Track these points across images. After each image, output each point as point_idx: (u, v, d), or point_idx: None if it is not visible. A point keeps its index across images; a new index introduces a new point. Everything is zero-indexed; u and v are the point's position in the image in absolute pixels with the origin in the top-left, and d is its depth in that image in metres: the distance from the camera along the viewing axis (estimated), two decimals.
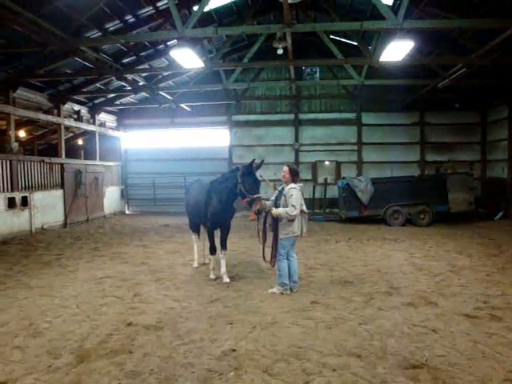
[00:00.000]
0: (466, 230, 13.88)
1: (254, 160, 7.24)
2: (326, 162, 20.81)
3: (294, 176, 7.06)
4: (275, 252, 6.95)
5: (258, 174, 7.27)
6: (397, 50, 10.89)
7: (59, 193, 16.67)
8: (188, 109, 20.93)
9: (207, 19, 14.08)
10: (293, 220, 6.75)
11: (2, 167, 13.71)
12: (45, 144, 21.91)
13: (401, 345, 4.78)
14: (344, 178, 17.01)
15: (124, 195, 22.41)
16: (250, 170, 7.18)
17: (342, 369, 4.23)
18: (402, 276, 8.03)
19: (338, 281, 7.73)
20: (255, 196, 6.96)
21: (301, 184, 7.10)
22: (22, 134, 18.52)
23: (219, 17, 15.16)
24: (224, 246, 7.96)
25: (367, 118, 20.73)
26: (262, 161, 7.46)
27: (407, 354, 4.53)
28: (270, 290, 6.98)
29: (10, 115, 14.23)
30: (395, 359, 4.43)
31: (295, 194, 6.77)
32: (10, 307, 6.41)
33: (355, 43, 16.01)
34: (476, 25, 10.07)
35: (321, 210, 19.13)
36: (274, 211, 6.80)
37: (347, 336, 5.06)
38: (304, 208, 6.96)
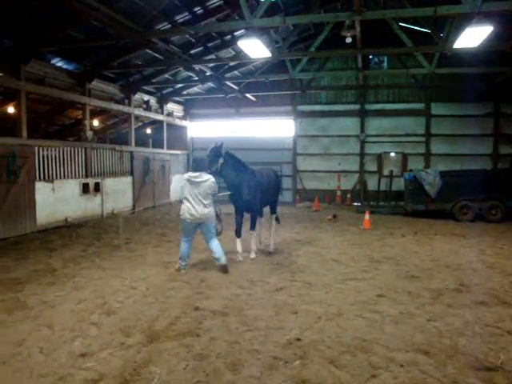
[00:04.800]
0: None
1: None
2: (392, 154, 20.27)
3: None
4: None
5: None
6: (473, 36, 10.36)
7: (129, 179, 17.38)
8: (253, 99, 21.11)
9: (274, 9, 14.06)
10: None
11: (78, 154, 14.48)
12: (116, 133, 22.81)
13: (472, 345, 4.60)
14: (411, 170, 16.51)
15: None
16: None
17: (410, 365, 4.13)
18: (472, 273, 7.71)
19: (404, 275, 7.55)
20: None
21: (189, 173, 7.66)
22: (95, 123, 19.38)
23: (285, 6, 15.08)
24: (251, 227, 8.95)
25: (437, 109, 19.96)
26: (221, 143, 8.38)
27: (480, 355, 4.35)
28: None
29: (85, 105, 14.97)
30: (467, 359, 4.26)
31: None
32: (85, 286, 6.80)
33: (426, 30, 15.42)
34: None
35: (386, 202, 18.70)
36: None
37: (415, 332, 4.94)
38: (187, 195, 7.53)
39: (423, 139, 20.04)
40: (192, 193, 7.48)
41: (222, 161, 8.24)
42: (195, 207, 7.47)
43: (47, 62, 13.62)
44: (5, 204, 11.17)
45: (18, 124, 12.26)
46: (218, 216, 8.39)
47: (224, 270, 7.57)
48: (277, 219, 10.07)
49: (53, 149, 13.34)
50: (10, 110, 15.30)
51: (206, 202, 7.53)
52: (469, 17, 9.66)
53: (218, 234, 8.39)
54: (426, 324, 5.19)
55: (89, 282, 7.02)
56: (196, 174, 7.54)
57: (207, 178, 7.56)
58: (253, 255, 8.78)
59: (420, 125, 20.11)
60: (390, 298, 6.17)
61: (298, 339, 4.70)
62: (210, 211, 7.62)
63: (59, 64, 14.20)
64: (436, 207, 15.14)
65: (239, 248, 8.72)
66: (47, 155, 13.07)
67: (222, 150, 8.26)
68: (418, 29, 16.66)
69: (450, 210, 14.93)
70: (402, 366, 4.13)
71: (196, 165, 7.71)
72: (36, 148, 12.53)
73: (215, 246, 7.72)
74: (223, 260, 7.64)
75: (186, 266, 7.77)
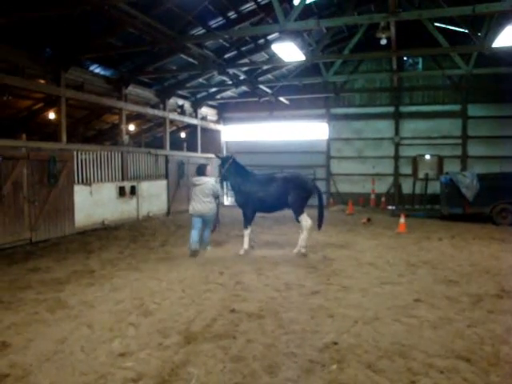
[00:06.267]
0: None
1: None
2: (427, 157, 19.90)
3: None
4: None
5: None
6: None
7: (163, 183, 17.64)
8: (286, 102, 21.10)
9: (307, 12, 14.04)
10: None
11: (115, 158, 14.81)
12: (151, 137, 23.21)
13: None
14: (447, 173, 16.16)
15: (223, 186, 23.13)
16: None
17: (451, 372, 4.04)
18: None
19: (441, 280, 7.39)
20: None
21: (194, 178, 9.76)
22: (131, 127, 19.76)
23: (319, 9, 15.05)
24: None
25: (474, 110, 19.47)
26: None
27: None
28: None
29: (122, 110, 15.31)
30: (511, 368, 4.13)
31: None
32: (123, 287, 6.94)
33: (462, 30, 15.10)
34: None
35: (421, 206, 18.35)
36: None
37: (454, 338, 4.82)
38: (192, 195, 9.61)
39: (459, 141, 19.59)
40: (195, 193, 9.41)
41: (227, 167, 9.83)
42: (197, 204, 9.34)
43: (86, 69, 14.02)
44: (46, 207, 11.54)
45: (57, 129, 12.65)
46: (216, 216, 9.89)
47: (195, 254, 9.24)
48: (319, 223, 9.90)
49: (90, 153, 13.69)
50: (51, 116, 15.79)
51: (205, 200, 9.31)
52: (509, 14, 9.41)
53: (212, 230, 10.00)
54: (465, 330, 5.07)
55: (126, 284, 7.16)
56: (198, 177, 9.52)
57: (206, 181, 9.41)
58: (241, 251, 9.60)
59: (456, 127, 19.66)
60: (428, 303, 6.05)
61: (335, 343, 4.67)
62: (208, 207, 9.35)
63: (97, 70, 14.59)
64: (474, 211, 14.74)
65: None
66: (85, 159, 13.42)
67: (229, 159, 10.02)
68: (455, 28, 16.33)
69: (488, 214, 14.53)
70: (442, 372, 4.05)
71: (198, 170, 9.74)
72: (75, 152, 12.89)
73: (206, 235, 9.74)
74: (203, 247, 9.63)
75: (197, 247, 9.33)
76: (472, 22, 14.02)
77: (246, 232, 9.77)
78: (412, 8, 15.49)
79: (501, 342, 4.73)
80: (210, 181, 9.46)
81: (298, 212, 9.56)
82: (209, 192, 9.33)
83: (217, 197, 9.60)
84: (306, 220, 9.51)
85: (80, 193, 12.94)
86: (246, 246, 9.68)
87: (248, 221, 9.85)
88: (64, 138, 12.53)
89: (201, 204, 9.31)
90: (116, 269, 8.24)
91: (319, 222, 9.87)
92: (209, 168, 9.87)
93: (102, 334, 4.99)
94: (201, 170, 9.67)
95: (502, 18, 10.69)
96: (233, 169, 9.88)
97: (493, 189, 14.35)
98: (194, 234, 9.33)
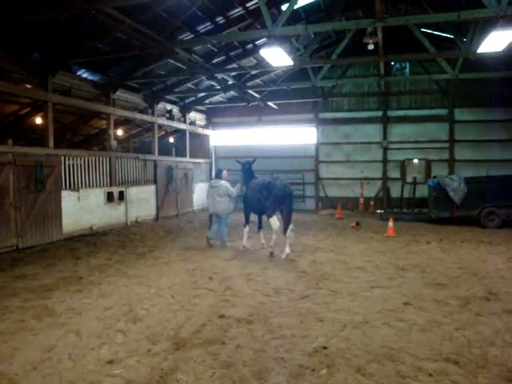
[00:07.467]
0: None
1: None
2: (415, 160, 20.06)
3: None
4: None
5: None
6: (498, 40, 10.19)
7: (152, 188, 17.55)
8: (275, 107, 21.17)
9: (295, 17, 14.11)
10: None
11: (103, 164, 14.69)
12: (139, 142, 23.10)
13: (504, 354, 4.48)
14: (435, 176, 16.28)
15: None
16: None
17: (439, 374, 4.06)
18: (501, 281, 7.54)
19: (430, 283, 7.43)
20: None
21: (211, 180, 11.86)
22: (119, 132, 19.64)
23: (307, 14, 15.14)
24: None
25: (460, 114, 19.66)
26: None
27: None
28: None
29: (110, 115, 15.21)
30: (498, 370, 4.15)
31: None
32: (111, 294, 6.88)
33: (448, 35, 15.25)
34: None
35: (409, 209, 18.46)
36: None
37: (443, 341, 4.85)
38: (208, 195, 11.21)
39: (447, 145, 19.75)
40: (211, 193, 10.89)
41: (243, 172, 11.17)
42: (211, 203, 10.94)
43: (73, 74, 13.93)
44: (33, 212, 11.41)
45: (44, 134, 12.53)
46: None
47: (210, 245, 11.02)
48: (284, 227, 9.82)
49: (78, 158, 13.59)
50: (38, 121, 15.64)
51: (218, 200, 10.71)
52: (493, 21, 9.52)
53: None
54: (454, 333, 5.10)
55: (114, 290, 7.10)
56: (215, 180, 11.15)
57: (221, 184, 10.82)
58: (240, 246, 10.85)
59: (443, 131, 19.84)
60: (417, 306, 6.08)
61: (324, 347, 4.67)
62: (221, 207, 10.73)
63: (85, 75, 14.51)
64: (461, 214, 14.88)
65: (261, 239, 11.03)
66: (73, 164, 13.30)
67: (245, 165, 11.18)
68: (441, 34, 16.51)
69: (475, 217, 14.67)
70: (430, 375, 4.06)
71: (216, 174, 11.56)
72: (62, 157, 12.76)
73: (222, 232, 11.08)
74: (222, 242, 11.11)
75: (211, 240, 11.05)
76: (457, 28, 14.21)
77: (245, 230, 10.88)
78: (399, 14, 15.65)
79: (488, 344, 4.76)
80: (224, 183, 10.85)
81: (268, 214, 9.85)
82: (222, 193, 10.68)
83: (231, 196, 10.79)
84: (274, 223, 9.75)
85: (67, 198, 12.81)
86: (244, 242, 10.80)
87: (246, 220, 10.98)
88: (51, 143, 12.42)
89: (215, 203, 10.80)
90: (104, 275, 8.17)
91: (284, 225, 9.68)
92: (225, 172, 11.36)
93: (90, 342, 4.93)
94: (218, 174, 11.34)
95: (486, 24, 10.82)
96: (245, 173, 11.16)
97: (480, 192, 14.52)
98: (213, 228, 11.10)
